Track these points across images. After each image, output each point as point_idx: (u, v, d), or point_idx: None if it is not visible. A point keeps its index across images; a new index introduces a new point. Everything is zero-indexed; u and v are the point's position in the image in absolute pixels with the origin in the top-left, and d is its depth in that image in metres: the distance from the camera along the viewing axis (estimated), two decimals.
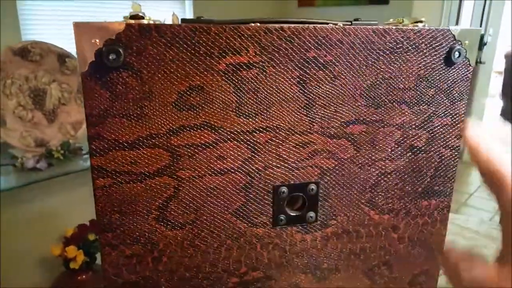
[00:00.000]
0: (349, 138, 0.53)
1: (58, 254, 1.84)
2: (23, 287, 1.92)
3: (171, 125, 0.47)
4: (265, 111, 0.49)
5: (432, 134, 0.56)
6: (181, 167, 0.48)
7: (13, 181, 1.51)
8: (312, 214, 0.56)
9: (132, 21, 0.43)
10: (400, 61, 0.51)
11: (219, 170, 0.50)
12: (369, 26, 0.50)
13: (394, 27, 0.51)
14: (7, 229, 1.75)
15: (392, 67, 0.51)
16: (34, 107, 1.58)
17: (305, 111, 0.51)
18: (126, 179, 0.47)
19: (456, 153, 0.58)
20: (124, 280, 0.51)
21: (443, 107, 0.55)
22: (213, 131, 0.48)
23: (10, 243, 1.79)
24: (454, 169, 0.59)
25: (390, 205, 0.58)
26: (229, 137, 0.49)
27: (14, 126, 1.56)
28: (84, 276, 1.91)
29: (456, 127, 0.57)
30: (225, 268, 0.55)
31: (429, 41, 0.52)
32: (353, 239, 0.59)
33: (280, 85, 0.48)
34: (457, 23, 3.47)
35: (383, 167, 0.56)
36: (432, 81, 0.54)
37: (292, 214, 0.55)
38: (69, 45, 1.71)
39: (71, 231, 1.86)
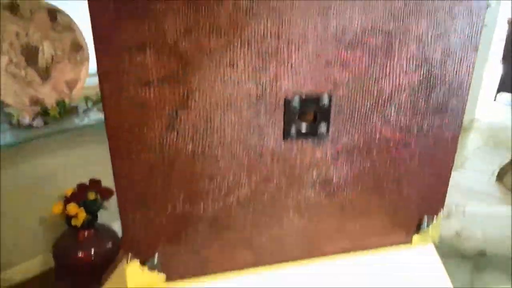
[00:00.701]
0: (364, 49, 0.52)
1: (59, 212, 1.83)
2: (26, 247, 1.93)
3: (178, 27, 0.45)
4: (278, 16, 0.47)
5: (448, 48, 0.55)
6: (190, 73, 0.47)
7: (9, 138, 1.48)
8: (323, 128, 0.55)
9: None
10: None
11: (229, 79, 0.49)
12: None
13: None
14: (6, 188, 1.74)
15: None
16: (26, 64, 1.54)
17: (319, 17, 0.49)
18: (134, 84, 0.45)
19: (471, 69, 0.57)
20: (136, 188, 0.50)
21: (460, 19, 0.54)
22: (222, 35, 0.47)
23: (10, 203, 1.79)
24: (467, 85, 0.58)
25: (402, 121, 0.58)
26: (239, 42, 0.47)
27: (8, 84, 1.53)
28: (86, 234, 1.92)
29: (472, 41, 0.55)
30: (236, 179, 0.54)
31: None
32: (364, 155, 0.58)
33: None
34: None
35: (397, 81, 0.55)
36: None
37: (303, 127, 0.54)
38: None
39: (71, 190, 1.86)
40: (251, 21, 0.47)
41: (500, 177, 2.42)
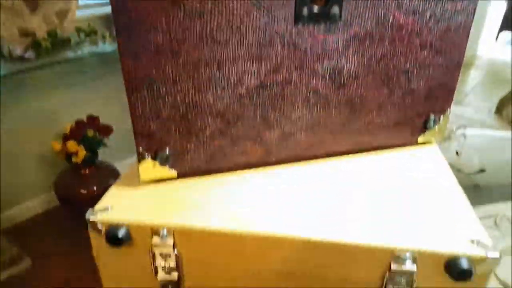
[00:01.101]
0: None
1: (59, 149, 1.84)
2: (27, 186, 1.94)
3: None
4: None
5: None
6: None
7: (2, 69, 1.45)
8: (336, 9, 0.53)
9: None
10: None
11: None
12: None
13: None
14: (3, 123, 1.72)
15: None
16: None
17: None
18: None
19: None
20: (143, 72, 0.49)
21: None
22: None
23: (8, 139, 1.78)
24: None
25: (415, 5, 0.56)
26: None
27: None
28: (87, 171, 1.93)
29: None
30: (245, 68, 0.53)
31: None
32: (375, 43, 0.57)
33: None
34: None
35: None
36: None
37: (315, 9, 0.52)
38: None
39: (69, 127, 1.85)
40: None
41: (499, 110, 2.43)
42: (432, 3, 0.56)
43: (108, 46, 1.72)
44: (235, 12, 0.49)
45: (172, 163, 0.56)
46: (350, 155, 0.65)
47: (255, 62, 0.53)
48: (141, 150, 0.54)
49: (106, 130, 1.91)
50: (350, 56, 0.57)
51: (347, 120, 0.61)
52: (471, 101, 3.15)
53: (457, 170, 1.35)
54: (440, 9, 0.57)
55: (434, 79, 0.62)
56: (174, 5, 0.47)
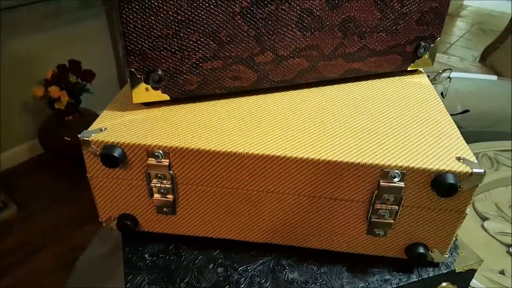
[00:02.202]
0: None
1: (41, 95, 1.80)
2: (11, 133, 1.92)
3: None
4: None
5: None
6: None
7: None
8: None
9: None
10: None
11: None
12: None
13: None
14: None
15: None
16: None
17: None
18: None
19: None
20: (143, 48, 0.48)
21: None
22: None
23: None
24: None
25: None
26: None
27: None
28: (71, 117, 1.91)
29: None
30: None
31: None
32: None
33: None
34: None
35: None
36: None
37: None
38: None
39: (51, 73, 1.81)
40: None
41: (483, 58, 2.45)
42: None
43: None
44: None
45: (164, 86, 0.55)
46: (341, 82, 0.66)
47: None
48: (133, 70, 0.53)
49: (89, 76, 1.88)
50: None
51: (339, 45, 0.61)
52: (457, 51, 3.16)
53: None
54: None
55: (426, 3, 0.63)
56: None
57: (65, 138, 1.86)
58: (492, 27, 3.62)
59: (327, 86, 0.65)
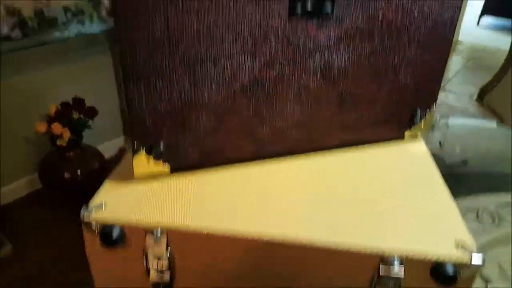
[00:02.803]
0: None
1: (44, 131, 1.82)
2: (10, 168, 1.92)
3: None
4: None
5: None
6: None
7: None
8: (329, 5, 0.54)
9: None
10: None
11: None
12: None
13: None
14: None
15: None
16: None
17: None
18: None
19: None
20: (142, 66, 0.49)
21: None
22: None
23: None
24: None
25: (404, 3, 0.57)
26: None
27: None
28: (72, 154, 1.92)
29: None
30: (240, 63, 0.54)
31: None
32: (365, 39, 0.58)
33: None
34: None
35: None
36: None
37: (309, 4, 0.53)
38: None
39: (54, 109, 1.83)
40: None
41: (480, 97, 2.48)
42: (421, 0, 0.58)
43: (95, 27, 1.69)
44: (231, 8, 0.50)
45: (166, 157, 0.57)
46: (339, 149, 0.67)
47: (250, 57, 0.54)
48: (136, 144, 0.55)
49: (92, 113, 1.90)
50: (341, 51, 0.58)
51: (337, 115, 0.63)
52: (453, 87, 3.20)
53: (440, 160, 1.39)
54: (427, 7, 0.59)
55: (421, 75, 0.65)
56: (172, 2, 0.47)
57: (65, 174, 1.87)
58: (487, 62, 3.68)
59: (325, 153, 0.67)
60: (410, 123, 0.69)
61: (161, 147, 0.56)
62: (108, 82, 2.14)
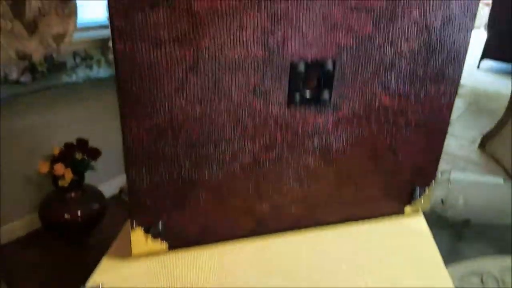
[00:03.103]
0: (369, 12, 0.52)
1: (46, 172, 1.83)
2: (11, 207, 1.92)
3: None
4: None
5: (448, 15, 0.56)
6: (201, 34, 0.47)
7: None
8: (326, 94, 0.56)
9: None
10: None
11: (238, 41, 0.49)
12: None
13: None
14: None
15: None
16: (13, 16, 1.49)
17: None
18: (146, 45, 0.45)
19: (468, 36, 0.59)
20: (144, 151, 0.51)
21: None
22: None
23: None
24: (464, 53, 0.60)
25: (401, 88, 0.59)
26: (250, 3, 0.47)
27: None
28: (73, 194, 1.92)
29: (472, 7, 0.56)
30: (240, 146, 0.55)
31: None
32: (363, 123, 0.60)
33: None
34: None
35: (399, 48, 0.56)
36: None
37: (307, 94, 0.55)
38: None
39: (57, 150, 1.84)
40: None
41: (483, 144, 2.49)
42: (417, 86, 0.60)
43: (102, 71, 1.73)
44: (233, 97, 0.52)
45: (164, 236, 0.57)
46: (338, 225, 0.68)
47: (250, 141, 0.56)
48: (134, 224, 0.55)
49: (95, 154, 1.91)
50: (339, 134, 0.60)
51: (335, 193, 0.64)
52: (455, 131, 3.22)
53: (443, 220, 1.39)
54: (424, 92, 0.61)
55: (419, 154, 0.66)
56: (177, 92, 0.49)
57: (66, 215, 1.86)
58: (489, 106, 3.72)
59: (324, 228, 0.67)
60: (409, 199, 0.69)
61: (160, 226, 0.56)
62: (112, 122, 2.16)
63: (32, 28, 1.54)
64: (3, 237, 1.93)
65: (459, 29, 0.58)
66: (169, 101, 0.49)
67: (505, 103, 2.73)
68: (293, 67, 0.53)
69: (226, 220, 0.60)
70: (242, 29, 0.48)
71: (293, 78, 0.53)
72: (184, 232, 0.59)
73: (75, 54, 1.69)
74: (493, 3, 4.14)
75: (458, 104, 3.73)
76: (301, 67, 0.53)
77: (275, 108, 0.55)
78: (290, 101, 0.55)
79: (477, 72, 4.56)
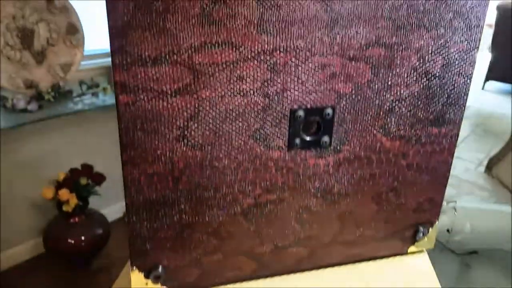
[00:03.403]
0: (368, 61, 0.53)
1: (51, 197, 1.84)
2: (16, 231, 1.93)
3: (193, 41, 0.46)
4: (287, 30, 0.48)
5: (448, 60, 0.57)
6: (202, 86, 0.48)
7: (3, 122, 1.47)
8: (326, 138, 0.56)
9: None
10: None
11: (238, 91, 0.50)
12: None
13: None
14: None
15: None
16: (22, 47, 1.52)
17: (326, 31, 0.50)
18: (148, 96, 0.46)
19: (468, 81, 0.59)
20: (145, 197, 0.51)
21: (459, 32, 0.55)
22: (234, 49, 0.48)
23: (2, 185, 1.78)
24: (465, 97, 0.60)
25: (402, 131, 0.60)
26: (250, 56, 0.48)
27: (3, 67, 1.51)
28: (77, 219, 1.93)
29: (471, 53, 0.57)
30: (241, 189, 0.56)
31: None
32: (364, 165, 0.60)
33: (303, 1, 0.47)
34: None
35: (398, 93, 0.57)
36: (451, 5, 0.53)
37: (307, 138, 0.56)
38: None
39: (63, 175, 1.86)
40: (262, 36, 0.48)
41: (489, 168, 2.47)
42: (418, 129, 0.60)
43: (108, 99, 1.76)
44: (234, 144, 0.52)
45: (164, 280, 0.57)
46: (341, 266, 0.67)
47: (250, 185, 0.56)
48: (134, 268, 0.55)
49: (99, 179, 1.92)
50: (340, 176, 0.60)
51: (338, 234, 0.64)
52: (461, 153, 3.20)
53: (449, 252, 1.37)
54: (425, 134, 0.61)
55: (422, 195, 0.66)
56: (178, 141, 0.50)
57: (69, 241, 1.87)
58: (495, 128, 3.71)
59: (327, 270, 0.67)
60: (413, 239, 0.69)
61: (160, 270, 0.56)
62: (116, 147, 2.18)
63: (40, 57, 1.57)
64: (8, 261, 1.93)
65: (459, 74, 0.58)
66: (170, 148, 0.50)
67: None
68: (292, 114, 0.53)
69: (227, 262, 0.60)
70: (242, 80, 0.49)
71: (293, 124, 0.54)
72: (185, 276, 0.59)
73: (81, 82, 1.72)
74: (496, 24, 4.17)
75: (464, 126, 3.72)
76: (301, 114, 0.53)
77: (276, 152, 0.55)
78: (291, 145, 0.55)
79: (482, 93, 4.56)
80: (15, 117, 1.49)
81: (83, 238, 1.91)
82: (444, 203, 1.46)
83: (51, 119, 1.58)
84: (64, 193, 1.83)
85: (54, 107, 1.59)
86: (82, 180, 1.93)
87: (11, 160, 1.81)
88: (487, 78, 4.53)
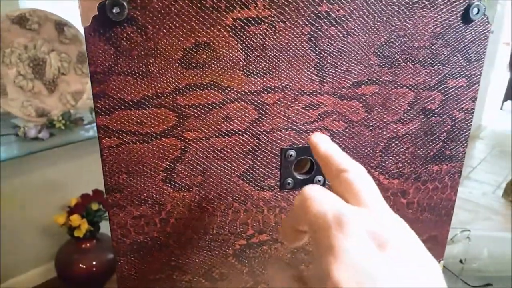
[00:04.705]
0: (361, 100, 0.52)
1: (62, 223, 1.85)
2: (29, 256, 1.95)
3: (177, 83, 0.45)
4: (274, 70, 0.47)
5: (446, 96, 0.55)
6: (187, 128, 0.47)
7: (15, 150, 1.50)
8: (320, 178, 0.55)
9: None
10: (416, 17, 0.49)
11: (226, 132, 0.49)
12: None
13: None
14: (9, 199, 1.75)
15: (407, 24, 0.49)
16: (34, 76, 1.56)
17: (315, 70, 0.49)
18: (132, 139, 0.46)
19: (470, 117, 0.57)
20: (132, 240, 0.50)
21: (458, 67, 0.54)
22: (220, 90, 0.47)
23: (13, 213, 1.80)
24: (467, 133, 0.58)
25: (400, 169, 0.57)
26: (236, 97, 0.48)
27: (15, 96, 1.54)
28: (88, 244, 1.94)
29: (471, 88, 0.55)
30: (232, 230, 0.54)
31: None
32: None
33: (290, 41, 0.46)
34: None
35: (395, 130, 0.55)
36: (448, 40, 0.52)
37: (299, 177, 0.54)
38: (66, 14, 1.67)
39: (74, 201, 1.88)
40: (248, 77, 0.47)
41: (507, 192, 2.40)
42: (417, 166, 0.58)
43: None
44: (223, 184, 0.51)
45: None
46: None
47: (241, 225, 0.54)
48: None
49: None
50: None
51: None
52: (478, 175, 3.11)
53: (462, 284, 1.32)
54: (425, 172, 0.59)
55: (424, 233, 0.63)
56: (165, 183, 0.49)
57: (80, 266, 1.87)
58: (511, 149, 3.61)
59: None
60: None
61: None
62: None
63: (51, 86, 1.61)
64: (21, 286, 1.94)
65: (459, 110, 0.56)
66: (156, 191, 0.49)
67: None
68: (283, 153, 0.52)
69: None
70: (229, 121, 0.48)
71: (284, 164, 0.52)
72: None
73: (91, 110, 1.74)
74: None
75: (481, 148, 3.62)
76: (292, 153, 0.52)
77: (267, 192, 0.54)
78: (282, 186, 0.54)
79: (500, 114, 4.46)
80: (27, 146, 1.51)
81: (94, 263, 1.91)
82: (458, 231, 1.41)
83: (62, 147, 1.60)
84: (75, 219, 1.84)
85: (65, 134, 1.61)
86: (93, 205, 1.94)
87: (24, 187, 1.84)
88: (506, 98, 4.44)
